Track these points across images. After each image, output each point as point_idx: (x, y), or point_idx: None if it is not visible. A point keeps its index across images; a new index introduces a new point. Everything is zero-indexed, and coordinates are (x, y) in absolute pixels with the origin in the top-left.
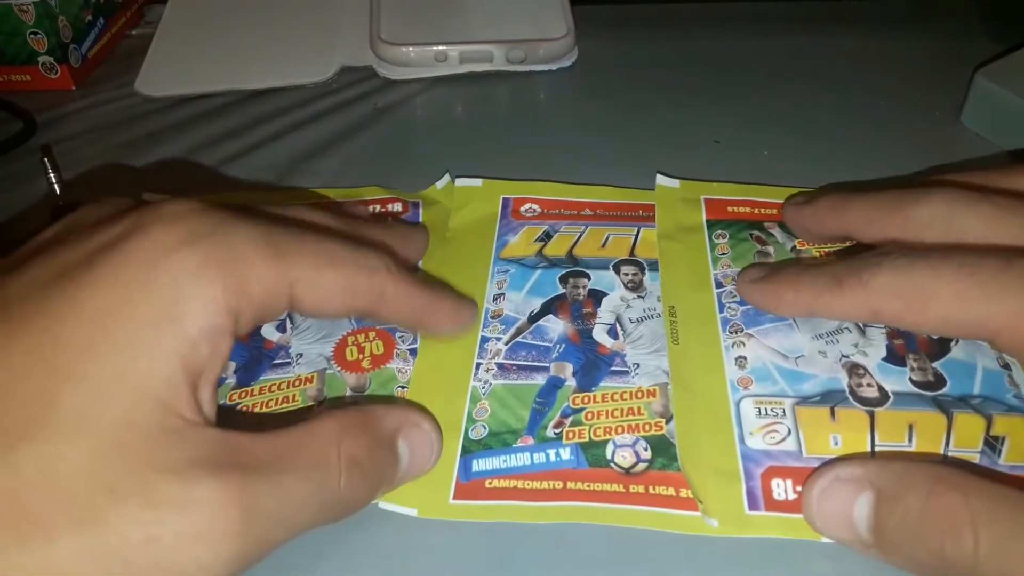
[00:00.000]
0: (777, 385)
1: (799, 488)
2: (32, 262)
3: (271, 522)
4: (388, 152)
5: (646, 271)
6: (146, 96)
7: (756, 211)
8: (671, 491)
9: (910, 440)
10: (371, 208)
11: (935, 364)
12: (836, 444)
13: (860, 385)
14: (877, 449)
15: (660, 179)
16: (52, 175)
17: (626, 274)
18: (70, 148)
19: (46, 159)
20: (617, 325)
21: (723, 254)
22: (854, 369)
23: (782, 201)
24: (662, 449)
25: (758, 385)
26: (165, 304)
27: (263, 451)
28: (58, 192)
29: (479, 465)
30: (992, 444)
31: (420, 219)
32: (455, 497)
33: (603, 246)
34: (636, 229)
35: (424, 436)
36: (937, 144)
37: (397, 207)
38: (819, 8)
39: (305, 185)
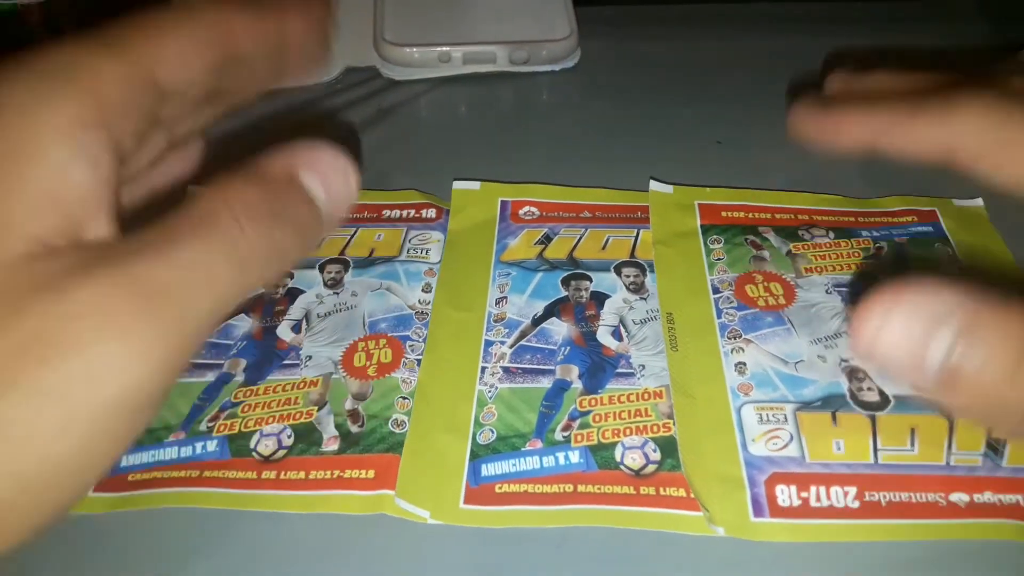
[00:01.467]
0: (778, 391)
1: (803, 494)
2: None
3: (180, 301)
4: (392, 152)
5: (647, 273)
6: None
7: (750, 215)
8: (682, 492)
9: (912, 444)
10: (404, 212)
11: None
12: (839, 449)
13: (861, 389)
14: (880, 453)
15: (654, 184)
16: None
17: (627, 276)
18: None
19: None
20: (621, 327)
21: (718, 259)
22: (854, 373)
23: (776, 205)
24: (671, 451)
25: (758, 391)
26: (16, 143)
27: (148, 236)
28: None
29: (488, 470)
30: (994, 447)
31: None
32: (466, 502)
33: (603, 248)
34: (636, 231)
35: (327, 160)
36: None
37: (431, 213)
38: (821, 9)
39: None
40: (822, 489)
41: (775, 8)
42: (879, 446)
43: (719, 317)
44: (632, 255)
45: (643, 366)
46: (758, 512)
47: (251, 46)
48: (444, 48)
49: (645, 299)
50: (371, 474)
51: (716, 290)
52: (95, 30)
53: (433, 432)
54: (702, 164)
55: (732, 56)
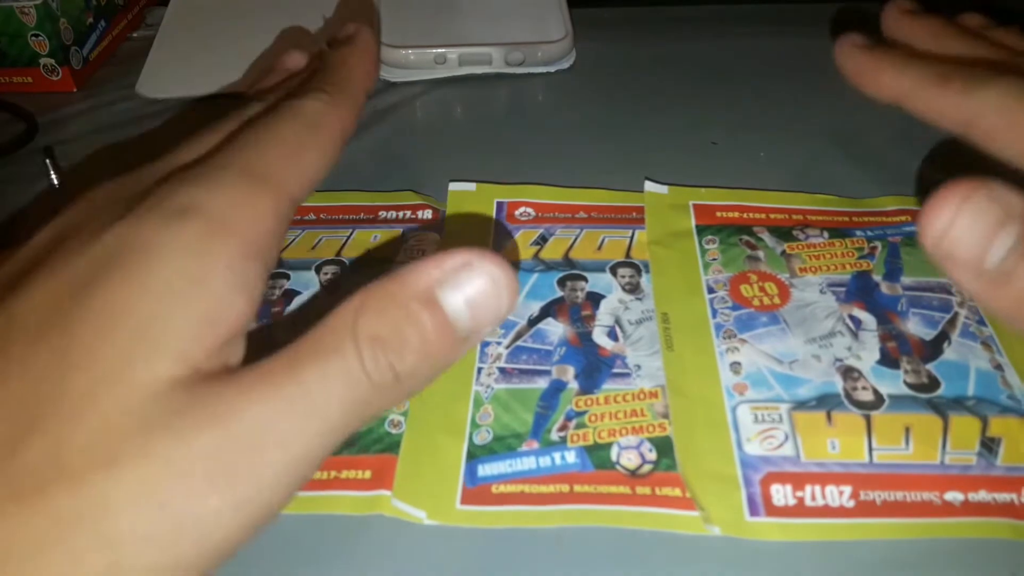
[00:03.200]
0: (773, 390)
1: (799, 493)
2: (34, 280)
3: (292, 443)
4: (388, 154)
5: (643, 273)
6: (147, 98)
7: (745, 215)
8: (677, 492)
9: (907, 443)
10: (400, 214)
11: (928, 366)
12: (834, 448)
13: (855, 389)
14: (875, 452)
15: (648, 185)
16: (54, 176)
17: (623, 276)
18: (71, 149)
19: (48, 160)
20: (616, 327)
21: (713, 259)
22: (848, 373)
23: (771, 205)
24: (667, 450)
25: (754, 391)
26: (170, 282)
27: (276, 367)
28: (60, 193)
29: (485, 470)
30: (988, 446)
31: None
32: (462, 502)
33: (599, 248)
34: (631, 231)
35: (479, 274)
36: (935, 146)
37: (427, 214)
38: (818, 10)
39: None
40: (817, 488)
41: (770, 9)
42: (874, 445)
43: (714, 317)
44: (627, 255)
45: (639, 366)
46: (754, 511)
47: (352, 126)
48: (440, 50)
49: (641, 299)
50: (367, 474)
51: (711, 290)
52: (238, 153)
53: (429, 433)
54: (697, 165)
55: (726, 57)
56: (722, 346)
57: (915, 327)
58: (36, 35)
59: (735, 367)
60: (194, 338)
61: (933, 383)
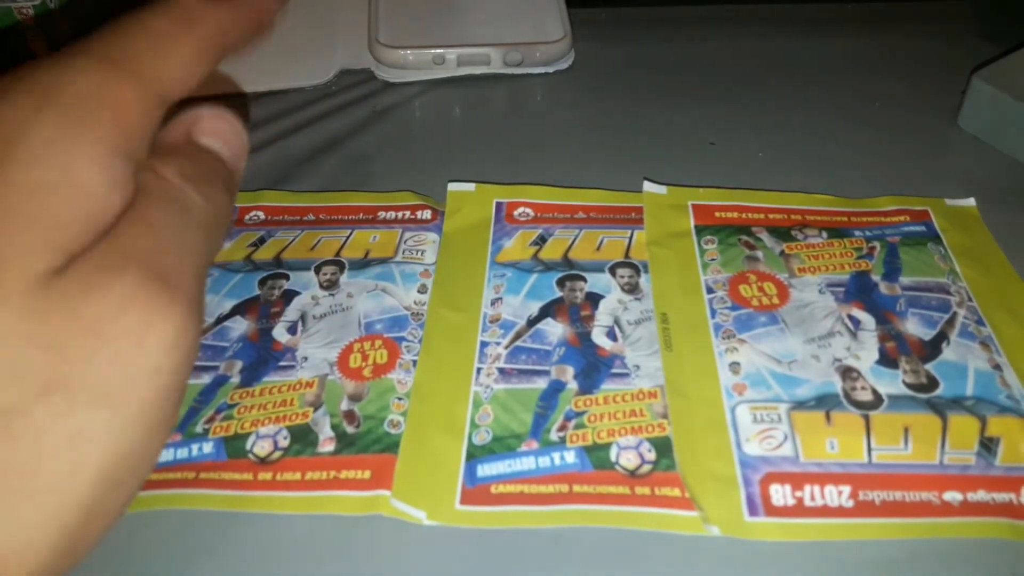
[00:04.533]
0: (772, 390)
1: (798, 493)
2: None
3: (182, 276)
4: (387, 154)
5: (642, 273)
6: None
7: (744, 216)
8: (677, 492)
9: (906, 443)
10: (399, 214)
11: (927, 366)
12: (832, 448)
13: (854, 388)
14: (874, 452)
15: (647, 185)
16: None
17: (622, 276)
18: None
19: None
20: (616, 327)
21: (712, 259)
22: (847, 373)
23: (769, 205)
24: (666, 450)
25: (753, 391)
26: (40, 175)
27: (127, 222)
28: None
29: (484, 470)
30: (987, 446)
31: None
32: (462, 503)
33: (598, 249)
34: (630, 232)
35: (211, 118)
36: (933, 146)
37: (426, 214)
38: (814, 10)
39: (305, 186)
40: (816, 488)
41: (766, 10)
42: (873, 445)
43: (713, 317)
44: (626, 256)
45: (638, 366)
46: (753, 511)
47: (239, 38)
48: (438, 50)
49: (640, 299)
50: (367, 475)
51: (710, 290)
52: (98, 41)
53: (429, 433)
54: (695, 165)
55: (724, 58)
56: (721, 346)
57: (914, 327)
58: (34, 36)
59: (734, 367)
60: (76, 234)
61: (932, 383)
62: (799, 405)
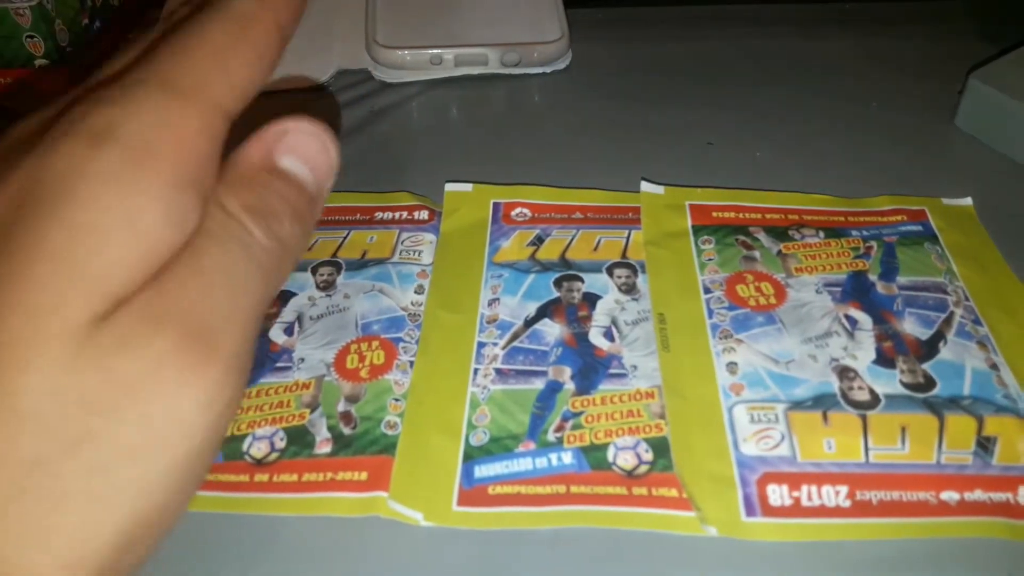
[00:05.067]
0: (769, 390)
1: (795, 493)
2: None
3: (226, 326)
4: (385, 154)
5: (639, 273)
6: None
7: (741, 216)
8: (674, 492)
9: (903, 443)
10: (396, 214)
11: (924, 366)
12: (830, 448)
13: (851, 388)
14: (871, 452)
15: (645, 186)
16: None
17: (619, 276)
18: None
19: None
20: (613, 328)
21: (709, 259)
22: (844, 372)
23: (767, 205)
24: (663, 451)
25: (750, 391)
26: (95, 216)
27: (175, 267)
28: None
29: (481, 471)
30: (984, 445)
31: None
32: (459, 504)
33: (595, 249)
34: (627, 232)
35: (303, 137)
36: (930, 146)
37: (423, 215)
38: (812, 10)
39: None
40: (813, 488)
41: (765, 10)
42: (870, 445)
43: (710, 317)
44: (624, 256)
45: (635, 367)
46: (750, 511)
47: (293, 27)
48: (436, 50)
49: (637, 300)
50: (364, 476)
51: (707, 290)
52: (156, 65)
53: (426, 434)
54: (693, 165)
55: (722, 57)
56: (718, 346)
57: (911, 327)
58: (31, 36)
59: (731, 367)
60: (127, 280)
61: (929, 383)
62: (796, 405)
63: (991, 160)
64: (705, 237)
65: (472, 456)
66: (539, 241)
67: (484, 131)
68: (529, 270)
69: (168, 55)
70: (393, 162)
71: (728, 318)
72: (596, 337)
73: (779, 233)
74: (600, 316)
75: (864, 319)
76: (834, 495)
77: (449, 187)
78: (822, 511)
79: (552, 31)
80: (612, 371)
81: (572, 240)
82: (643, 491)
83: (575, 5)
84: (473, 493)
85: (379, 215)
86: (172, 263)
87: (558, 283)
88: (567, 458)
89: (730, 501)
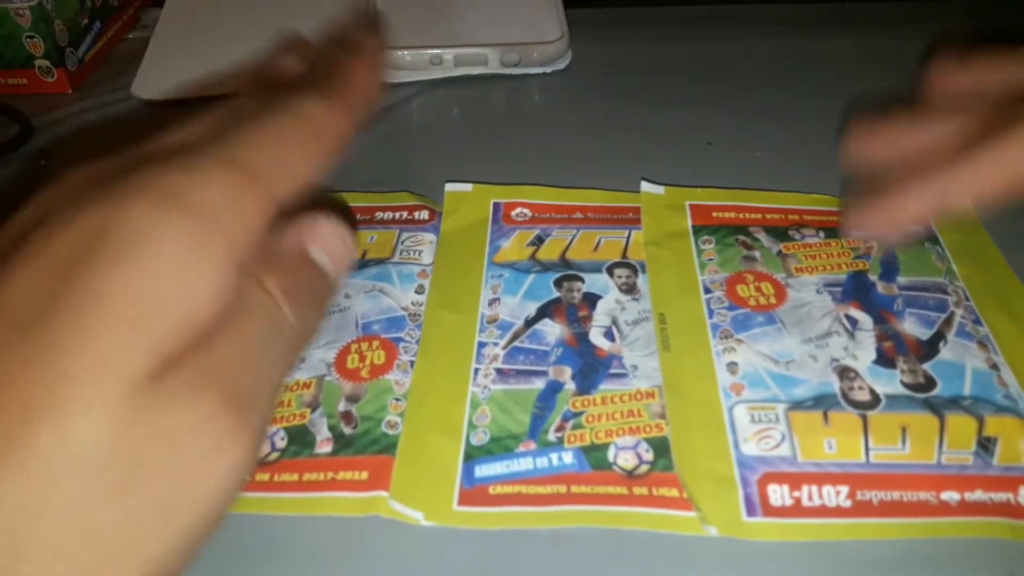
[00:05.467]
0: (769, 390)
1: (795, 493)
2: (18, 262)
3: (257, 396)
4: (384, 154)
5: (639, 273)
6: (143, 99)
7: (741, 216)
8: (674, 492)
9: (904, 443)
10: (396, 214)
11: (925, 366)
12: (830, 448)
13: (852, 388)
14: (871, 452)
15: (645, 186)
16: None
17: (619, 276)
18: (67, 151)
19: (43, 162)
20: (613, 327)
21: (710, 259)
22: (845, 372)
23: (767, 205)
24: (664, 450)
25: (750, 391)
26: (157, 278)
27: (220, 336)
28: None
29: (482, 471)
30: (985, 445)
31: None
32: (459, 503)
33: (595, 249)
34: (627, 232)
35: (328, 232)
36: None
37: (424, 215)
38: (812, 10)
39: None
40: (814, 488)
41: (765, 10)
42: (871, 445)
43: (711, 317)
44: (624, 256)
45: (635, 366)
46: (751, 511)
47: (350, 136)
48: (435, 50)
49: (637, 300)
50: (364, 476)
51: (708, 290)
52: (225, 141)
53: (426, 434)
54: (693, 165)
55: (722, 57)
56: (719, 346)
57: (911, 327)
58: (31, 36)
59: (732, 367)
60: (179, 342)
61: (929, 383)
62: (797, 405)
63: None
64: (705, 237)
65: (473, 456)
66: (539, 241)
67: (484, 131)
68: (529, 270)
69: (240, 137)
70: (393, 162)
71: (728, 318)
72: (596, 337)
73: (779, 233)
74: (600, 316)
75: (864, 319)
76: (835, 495)
77: (449, 187)
78: (823, 511)
79: (552, 31)
80: (613, 371)
81: (572, 240)
82: (644, 491)
83: (575, 5)
84: (474, 493)
85: (379, 215)
86: (215, 331)
87: (558, 283)
88: (568, 458)
89: (731, 501)
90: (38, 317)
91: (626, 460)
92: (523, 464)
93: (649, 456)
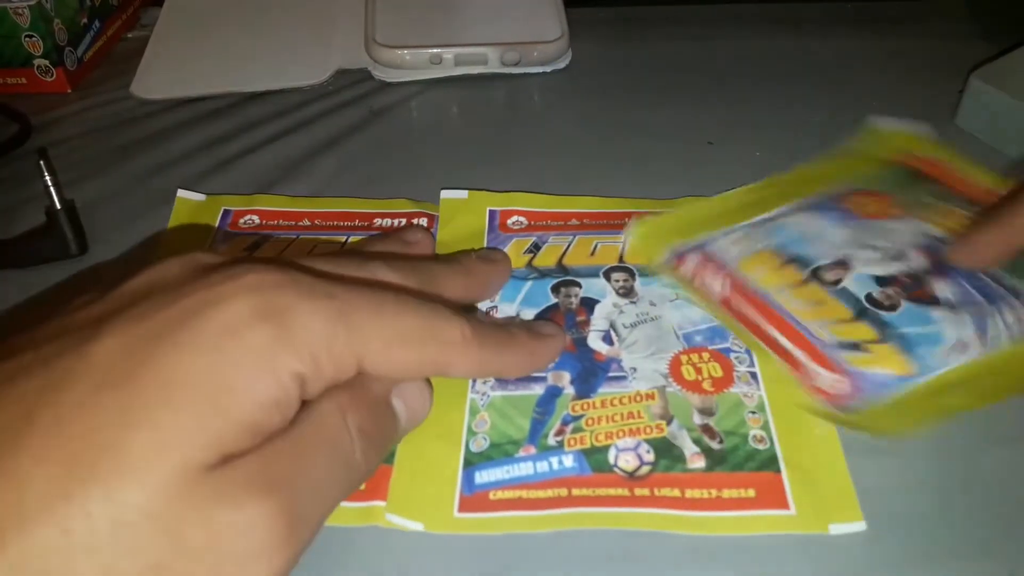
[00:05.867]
0: None
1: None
2: (124, 317)
3: (311, 516)
4: (384, 154)
5: (636, 276)
6: (142, 99)
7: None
8: (676, 492)
9: None
10: (396, 221)
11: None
12: None
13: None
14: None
15: (446, 193)
16: (48, 178)
17: (616, 280)
18: (66, 151)
19: (42, 162)
20: (612, 331)
21: None
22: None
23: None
24: (664, 451)
25: None
26: (234, 374)
27: (289, 449)
28: (54, 195)
29: (482, 477)
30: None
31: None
32: (460, 510)
33: (592, 254)
34: (623, 237)
35: (415, 388)
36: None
37: (423, 222)
38: (812, 10)
39: (301, 186)
40: None
41: (764, 10)
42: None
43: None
44: (620, 260)
45: (635, 369)
46: None
47: (462, 376)
48: (435, 50)
49: (634, 303)
50: (362, 485)
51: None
52: (357, 292)
53: (425, 441)
54: (693, 165)
55: (723, 57)
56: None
57: (943, 287)
58: (30, 36)
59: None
60: (240, 441)
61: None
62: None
63: (991, 159)
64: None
65: (472, 462)
66: (536, 248)
67: (484, 130)
68: (526, 277)
69: (361, 292)
70: (393, 162)
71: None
72: (595, 341)
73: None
74: (598, 320)
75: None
76: None
77: (445, 194)
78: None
79: (552, 30)
80: (612, 374)
81: (569, 246)
82: (645, 492)
83: (575, 4)
84: (474, 499)
85: (378, 221)
86: (284, 442)
87: (556, 289)
88: (568, 461)
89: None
90: (120, 380)
91: (627, 461)
92: (524, 469)
93: (650, 457)
